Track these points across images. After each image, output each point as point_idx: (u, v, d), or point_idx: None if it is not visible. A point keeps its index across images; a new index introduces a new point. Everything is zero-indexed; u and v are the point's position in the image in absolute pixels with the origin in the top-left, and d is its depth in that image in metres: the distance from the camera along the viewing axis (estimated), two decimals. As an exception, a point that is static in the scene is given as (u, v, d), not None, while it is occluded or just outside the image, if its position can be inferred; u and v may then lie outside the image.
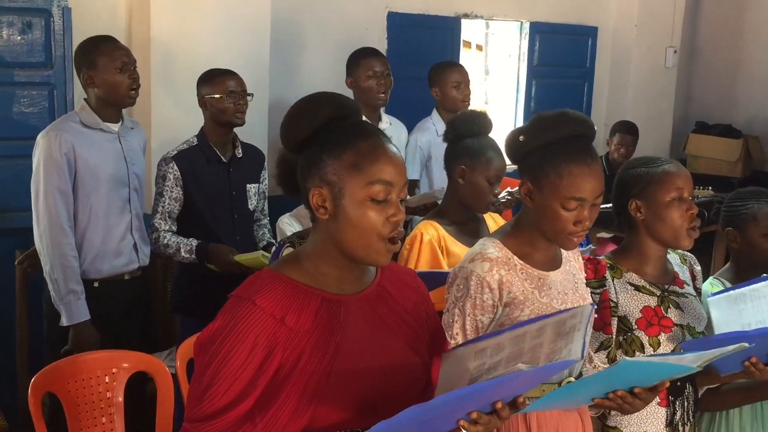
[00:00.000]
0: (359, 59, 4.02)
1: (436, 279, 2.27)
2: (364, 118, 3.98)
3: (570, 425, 2.09)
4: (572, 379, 2.06)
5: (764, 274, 2.58)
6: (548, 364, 1.53)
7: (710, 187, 5.82)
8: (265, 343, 1.50)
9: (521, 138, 2.03)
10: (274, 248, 2.65)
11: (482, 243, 2.05)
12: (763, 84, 7.12)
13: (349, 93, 4.08)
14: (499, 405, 1.49)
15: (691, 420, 2.28)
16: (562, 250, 2.10)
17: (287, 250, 2.53)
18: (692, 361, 1.81)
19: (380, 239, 1.56)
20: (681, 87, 7.32)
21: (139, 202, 3.42)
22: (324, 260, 1.61)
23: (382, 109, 4.13)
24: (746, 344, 1.86)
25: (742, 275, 2.53)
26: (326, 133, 1.60)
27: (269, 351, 1.50)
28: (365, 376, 1.57)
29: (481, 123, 2.82)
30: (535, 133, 2.01)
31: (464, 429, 1.49)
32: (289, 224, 3.47)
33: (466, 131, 2.78)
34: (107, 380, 2.70)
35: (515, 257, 2.02)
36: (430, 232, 2.74)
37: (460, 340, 1.97)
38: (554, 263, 2.09)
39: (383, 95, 4.00)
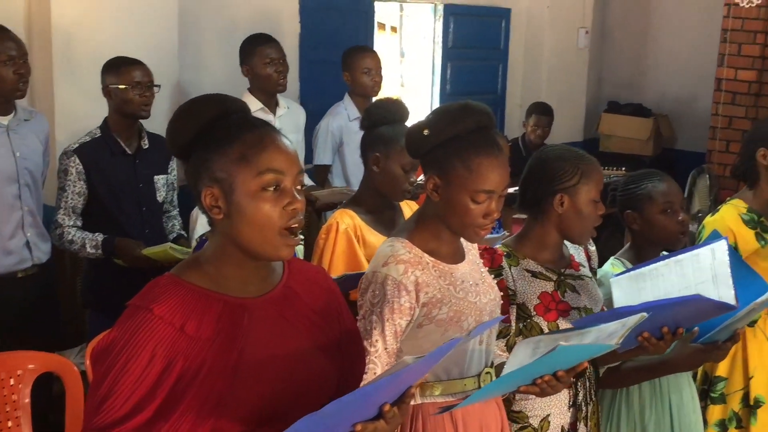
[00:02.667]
0: (254, 47, 3.99)
1: (355, 280, 2.23)
2: (261, 105, 3.96)
3: (491, 416, 2.10)
4: (490, 370, 2.07)
5: (663, 252, 2.66)
6: (434, 350, 1.50)
7: (623, 168, 5.94)
8: (164, 353, 1.46)
9: (426, 132, 1.99)
10: (195, 243, 2.58)
11: (390, 244, 2.00)
12: (670, 64, 7.29)
13: (244, 80, 4.01)
14: (386, 408, 1.46)
15: (593, 399, 2.32)
16: (462, 240, 2.09)
17: (208, 246, 2.47)
18: (603, 338, 1.83)
19: (279, 231, 1.52)
20: (593, 68, 7.44)
21: (33, 198, 3.32)
22: (225, 262, 1.57)
23: (283, 95, 4.10)
24: (645, 314, 1.88)
25: (642, 254, 2.60)
26: (211, 132, 1.55)
27: (169, 361, 1.46)
28: (271, 382, 1.54)
29: (396, 110, 2.79)
30: (440, 126, 1.98)
31: None
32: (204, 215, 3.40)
33: (382, 119, 2.75)
34: (12, 382, 2.60)
35: (426, 255, 1.99)
36: (346, 221, 2.71)
37: (380, 347, 1.93)
38: (459, 255, 2.07)
39: (282, 81, 4.01)
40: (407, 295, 1.93)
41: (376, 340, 1.93)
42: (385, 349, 1.93)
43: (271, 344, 1.56)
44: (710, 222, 2.92)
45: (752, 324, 2.82)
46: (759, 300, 2.30)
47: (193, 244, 3.26)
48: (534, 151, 5.52)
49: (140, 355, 1.45)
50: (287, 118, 4.06)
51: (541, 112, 5.81)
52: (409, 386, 1.50)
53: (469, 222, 1.96)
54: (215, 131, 1.55)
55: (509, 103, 6.84)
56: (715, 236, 2.61)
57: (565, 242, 2.37)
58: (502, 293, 2.18)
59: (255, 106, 3.89)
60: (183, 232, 3.60)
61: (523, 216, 5.33)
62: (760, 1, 6.24)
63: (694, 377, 2.92)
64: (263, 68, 3.95)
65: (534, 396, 2.03)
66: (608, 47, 7.65)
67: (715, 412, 2.93)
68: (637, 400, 2.56)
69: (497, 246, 2.30)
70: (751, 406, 2.91)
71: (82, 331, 3.79)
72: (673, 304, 2.08)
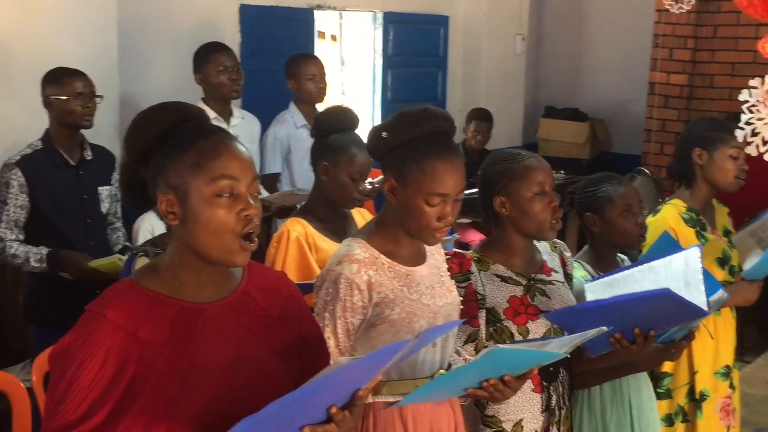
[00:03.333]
0: (207, 55, 3.97)
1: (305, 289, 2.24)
2: (215, 115, 3.93)
3: (442, 416, 2.12)
4: (443, 371, 2.09)
5: (619, 254, 2.72)
6: (375, 351, 1.51)
7: (562, 171, 6.05)
8: (116, 357, 1.48)
9: (384, 134, 2.02)
10: (126, 257, 2.57)
11: (347, 244, 2.03)
12: (604, 69, 7.44)
13: (188, 90, 3.99)
14: (333, 410, 1.47)
15: (567, 404, 2.35)
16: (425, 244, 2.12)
17: (141, 260, 2.45)
18: (558, 347, 1.86)
19: (234, 237, 1.53)
20: (530, 73, 7.55)
21: None
22: (182, 268, 1.58)
23: (234, 105, 4.08)
24: (605, 328, 1.93)
25: (601, 256, 2.66)
26: (167, 138, 1.57)
27: (121, 365, 1.48)
28: (224, 387, 1.55)
29: (345, 119, 2.81)
30: (398, 129, 2.01)
31: None
32: (149, 227, 3.36)
33: (331, 127, 2.77)
34: (-46, 402, 2.55)
35: (382, 256, 2.02)
36: (297, 229, 2.71)
37: (332, 344, 1.95)
38: (419, 258, 2.10)
39: (237, 88, 3.99)
40: (360, 294, 1.96)
41: (328, 338, 1.95)
42: (338, 347, 1.96)
43: (226, 349, 1.57)
44: (652, 222, 2.98)
45: (695, 321, 2.89)
46: (712, 299, 2.37)
47: None
48: (475, 156, 5.68)
49: (93, 359, 1.48)
50: (241, 128, 4.03)
51: (481, 117, 5.88)
52: (357, 388, 1.50)
53: (424, 224, 1.98)
54: (171, 138, 1.56)
55: (450, 109, 6.88)
56: (667, 237, 2.68)
57: (539, 248, 2.40)
58: (470, 297, 2.21)
59: (209, 115, 3.85)
60: (128, 243, 3.55)
61: (467, 221, 5.39)
62: (689, 7, 6.42)
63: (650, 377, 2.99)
64: (217, 76, 3.93)
65: (488, 400, 2.06)
66: (544, 53, 7.78)
67: (662, 407, 2.98)
68: (598, 401, 2.60)
69: (469, 252, 2.33)
70: (696, 399, 2.98)
71: (24, 347, 3.71)
72: (642, 298, 2.11)
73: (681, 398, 3.00)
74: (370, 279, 1.96)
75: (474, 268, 2.27)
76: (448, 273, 2.22)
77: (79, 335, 1.50)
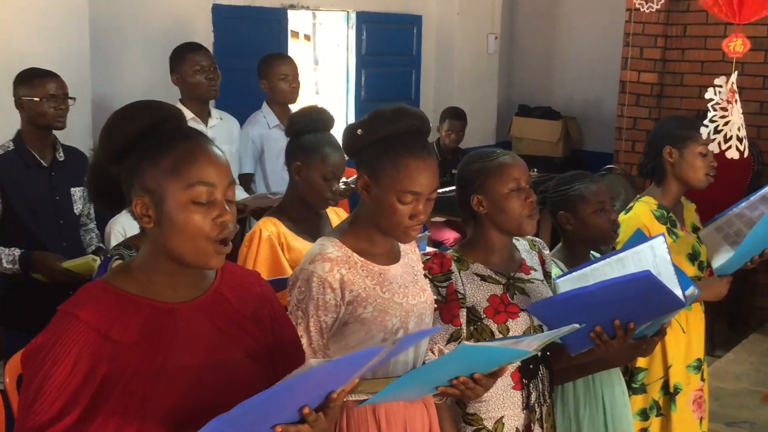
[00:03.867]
0: (184, 55, 3.95)
1: (278, 285, 2.24)
2: (193, 115, 3.92)
3: (416, 415, 2.13)
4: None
5: (592, 251, 2.75)
6: (349, 355, 1.52)
7: (535, 169, 6.08)
8: (88, 357, 1.48)
9: (359, 131, 2.03)
10: (100, 261, 2.56)
11: (321, 243, 2.04)
12: (576, 68, 7.50)
13: (175, 90, 3.98)
14: (305, 411, 1.47)
15: (548, 401, 2.36)
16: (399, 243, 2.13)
17: (116, 263, 2.44)
18: (529, 345, 1.88)
19: (208, 242, 1.54)
20: (503, 72, 7.59)
21: None
22: (155, 269, 1.58)
23: (212, 105, 4.06)
24: (577, 325, 1.95)
25: (575, 254, 2.69)
26: (144, 140, 1.56)
27: (93, 365, 1.48)
28: (196, 386, 1.55)
29: (319, 119, 2.81)
30: (373, 126, 2.02)
31: None
32: (120, 229, 3.35)
33: (305, 127, 2.77)
34: (-71, 403, 2.52)
35: (355, 254, 2.02)
36: (270, 228, 2.72)
37: (305, 342, 1.96)
38: (393, 257, 2.11)
39: (214, 88, 3.97)
40: (332, 293, 1.96)
41: (301, 336, 1.95)
42: (310, 345, 1.97)
43: (198, 349, 1.57)
44: (625, 219, 3.01)
45: (667, 316, 2.93)
46: (686, 293, 2.40)
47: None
48: (448, 155, 5.70)
49: (65, 360, 1.48)
50: (220, 128, 4.02)
51: (455, 116, 5.90)
52: (331, 391, 1.51)
53: (397, 222, 1.99)
54: (148, 139, 1.56)
55: (423, 108, 6.90)
56: (640, 234, 2.71)
57: (518, 246, 2.42)
58: (451, 297, 2.23)
59: (186, 116, 3.84)
60: (101, 245, 3.53)
61: (441, 219, 5.40)
62: (659, 6, 6.48)
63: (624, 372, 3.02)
64: (193, 76, 3.91)
65: (459, 398, 2.07)
66: (517, 52, 7.83)
67: (637, 401, 3.02)
68: (571, 397, 2.63)
69: (448, 251, 2.35)
70: (671, 393, 3.02)
71: (-3, 350, 3.68)
72: (623, 283, 2.11)
73: (655, 393, 3.04)
74: (343, 277, 1.97)
75: (454, 267, 2.28)
76: (427, 273, 2.23)
77: (51, 335, 1.51)
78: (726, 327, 5.69)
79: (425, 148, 2.01)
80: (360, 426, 2.04)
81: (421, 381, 1.91)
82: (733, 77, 2.79)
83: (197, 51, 3.97)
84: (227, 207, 1.55)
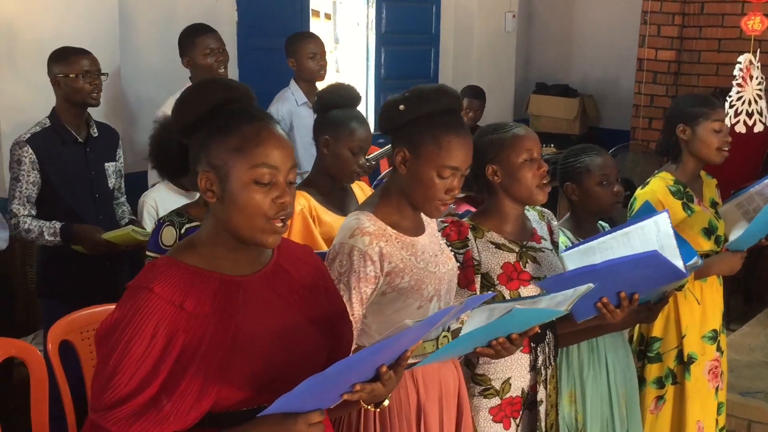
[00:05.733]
0: (193, 38, 3.96)
1: None
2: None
3: (449, 375, 2.25)
4: (446, 334, 2.21)
5: (600, 221, 2.84)
6: (431, 315, 1.61)
7: (552, 145, 6.14)
8: (165, 329, 1.53)
9: (401, 107, 2.11)
10: (153, 227, 2.65)
11: (356, 217, 2.12)
12: (594, 45, 7.52)
13: (183, 70, 4.05)
14: (383, 369, 1.55)
15: (553, 363, 2.47)
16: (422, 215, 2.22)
17: (167, 229, 2.54)
18: (556, 304, 1.98)
19: (267, 221, 1.59)
20: (520, 50, 7.62)
21: None
22: (218, 243, 1.64)
23: None
24: (592, 285, 2.04)
25: (581, 224, 2.80)
26: (213, 117, 1.62)
27: (170, 337, 1.53)
28: (267, 354, 1.62)
29: (346, 95, 2.88)
30: (415, 103, 2.10)
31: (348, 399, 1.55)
32: (152, 203, 3.47)
33: (333, 103, 2.84)
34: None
35: (389, 228, 2.11)
36: (301, 202, 2.79)
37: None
38: (420, 229, 2.21)
39: (223, 71, 4.00)
40: (372, 265, 2.05)
41: None
42: (352, 315, 2.05)
43: (266, 318, 1.64)
44: (641, 194, 3.09)
45: (681, 288, 3.01)
46: (688, 264, 2.51)
47: (149, 226, 3.32)
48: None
49: (143, 333, 1.52)
50: None
51: (473, 95, 5.93)
52: (404, 350, 1.60)
53: (432, 195, 2.09)
54: (218, 117, 1.62)
55: (442, 86, 6.95)
56: (648, 207, 2.80)
57: (529, 216, 2.52)
58: (468, 263, 2.32)
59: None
60: (134, 217, 3.64)
61: (462, 195, 5.47)
62: (677, -16, 6.51)
63: (630, 339, 3.12)
64: (203, 59, 3.93)
65: (492, 360, 2.18)
66: (535, 31, 7.85)
67: (653, 370, 3.13)
68: (576, 359, 2.73)
69: (464, 219, 2.44)
70: (685, 362, 3.11)
71: (34, 319, 3.80)
72: (631, 262, 2.24)
73: (670, 361, 3.13)
74: (382, 250, 2.06)
75: (470, 235, 2.38)
76: (445, 240, 2.33)
77: (126, 311, 1.54)
78: (741, 302, 5.77)
79: (463, 126, 2.11)
80: (400, 388, 2.13)
81: (468, 343, 1.99)
82: (749, 55, 2.86)
83: (206, 34, 3.98)
84: (287, 189, 1.61)
